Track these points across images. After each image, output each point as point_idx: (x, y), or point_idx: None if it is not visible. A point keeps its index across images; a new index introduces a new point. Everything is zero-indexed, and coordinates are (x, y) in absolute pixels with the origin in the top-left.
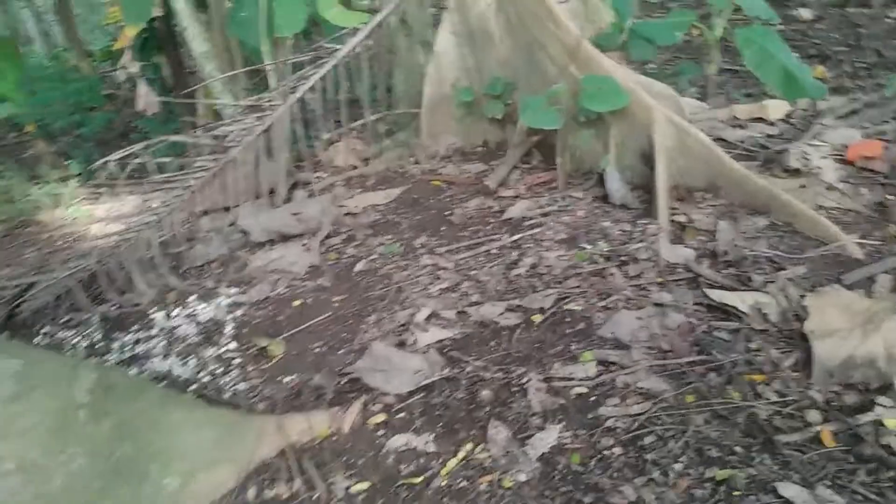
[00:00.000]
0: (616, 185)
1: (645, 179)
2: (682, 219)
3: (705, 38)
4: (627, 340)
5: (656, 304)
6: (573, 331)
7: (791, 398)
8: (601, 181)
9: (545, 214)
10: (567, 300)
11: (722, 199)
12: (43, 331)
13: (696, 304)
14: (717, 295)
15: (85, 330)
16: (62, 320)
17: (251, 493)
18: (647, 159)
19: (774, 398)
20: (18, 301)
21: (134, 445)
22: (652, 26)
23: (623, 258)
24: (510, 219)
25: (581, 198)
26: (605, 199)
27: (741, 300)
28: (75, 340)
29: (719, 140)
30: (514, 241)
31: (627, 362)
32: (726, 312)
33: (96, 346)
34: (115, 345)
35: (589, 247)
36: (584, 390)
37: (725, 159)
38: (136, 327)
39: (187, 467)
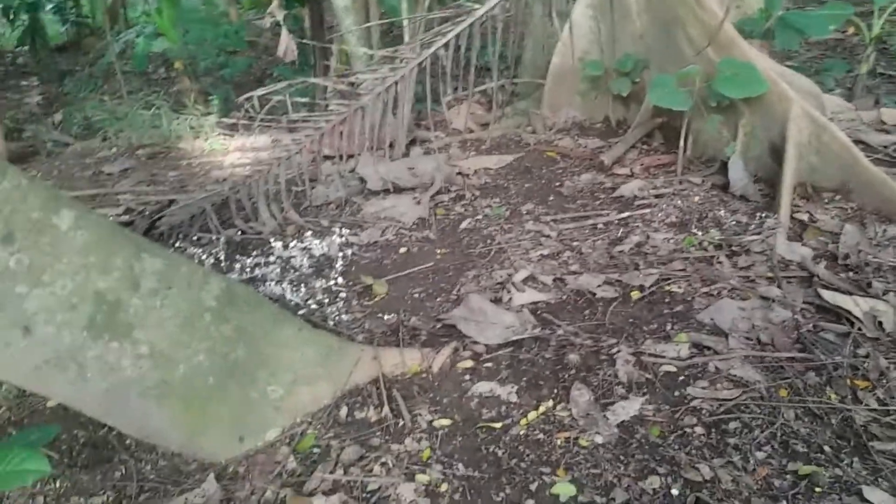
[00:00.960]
0: (739, 175)
1: (770, 173)
2: (804, 217)
3: (861, 36)
4: (726, 328)
5: (763, 298)
6: (670, 311)
7: (894, 408)
8: (723, 169)
9: (658, 196)
10: (669, 281)
11: (852, 202)
12: (176, 245)
13: (805, 302)
14: (831, 296)
15: (212, 249)
16: (193, 238)
17: (343, 411)
18: (776, 153)
19: (875, 405)
20: (159, 216)
21: (247, 351)
22: (804, 17)
23: (734, 248)
24: (621, 196)
25: (699, 184)
26: (724, 188)
27: (856, 305)
28: (203, 257)
29: (859, 142)
30: (622, 218)
31: (723, 349)
32: (837, 315)
33: (221, 265)
34: (237, 266)
35: (699, 233)
36: (672, 369)
37: (863, 161)
38: (256, 253)
39: (290, 379)
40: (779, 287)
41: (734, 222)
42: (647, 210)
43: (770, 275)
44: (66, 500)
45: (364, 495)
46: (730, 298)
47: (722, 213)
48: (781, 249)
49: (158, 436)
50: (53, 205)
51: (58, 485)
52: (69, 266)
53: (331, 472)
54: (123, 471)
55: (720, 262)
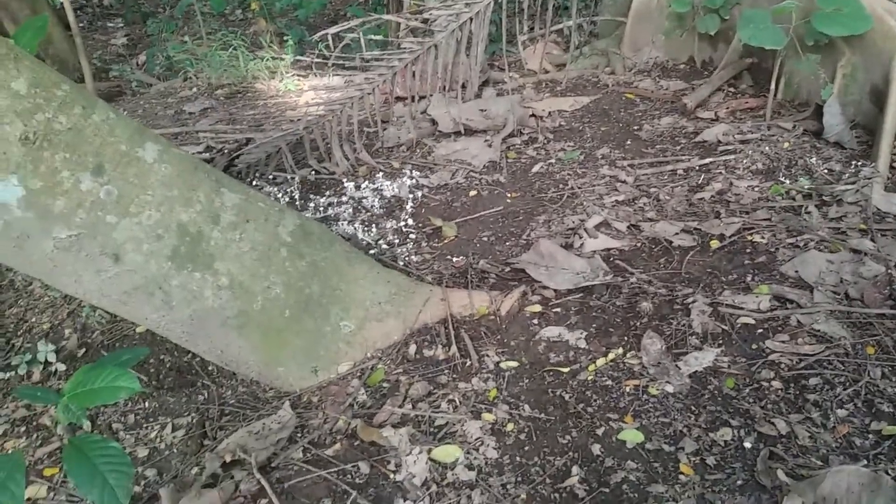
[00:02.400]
0: (835, 120)
1: (869, 118)
2: None
3: None
4: (812, 281)
5: (854, 251)
6: (752, 262)
7: None
8: (817, 114)
9: (744, 142)
10: (751, 231)
11: None
12: (253, 183)
13: None
14: None
15: (287, 188)
16: (269, 176)
17: (412, 349)
18: (877, 96)
19: None
20: (237, 154)
21: (321, 287)
22: None
23: (825, 198)
24: (704, 141)
25: (789, 129)
26: (817, 134)
27: None
28: (278, 196)
29: None
30: (704, 164)
31: (806, 302)
32: None
33: (295, 204)
34: (311, 205)
35: (787, 181)
36: (751, 321)
37: None
38: (329, 193)
39: (362, 315)
40: (872, 240)
41: (826, 170)
42: (732, 156)
43: (863, 227)
44: (153, 419)
45: (431, 430)
46: (817, 250)
47: (813, 160)
48: (878, 200)
49: (238, 363)
50: (139, 138)
51: (146, 405)
52: (154, 198)
53: (399, 406)
54: (206, 395)
55: (809, 213)
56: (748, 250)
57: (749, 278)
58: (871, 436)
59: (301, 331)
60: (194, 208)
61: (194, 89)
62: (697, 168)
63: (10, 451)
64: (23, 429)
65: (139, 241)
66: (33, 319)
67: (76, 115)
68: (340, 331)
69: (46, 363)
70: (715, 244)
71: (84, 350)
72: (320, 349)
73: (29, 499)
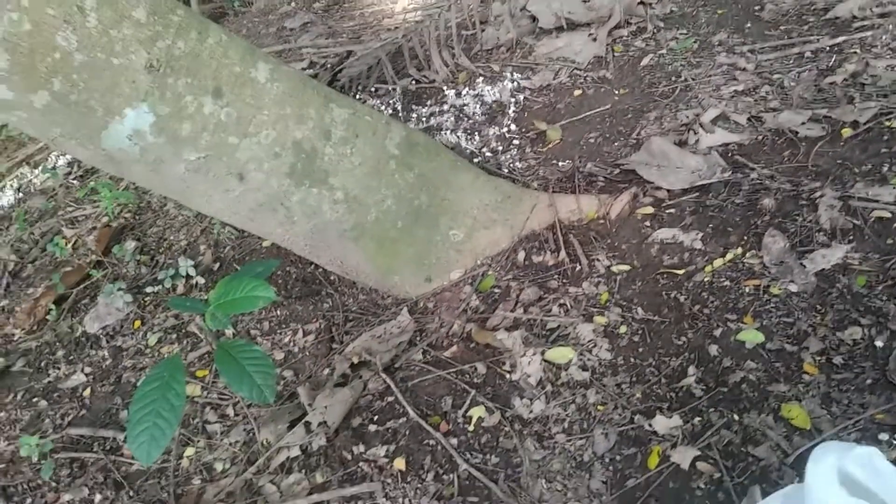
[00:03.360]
0: None
1: None
2: None
3: None
4: None
5: None
6: (889, 151)
7: None
8: None
9: (884, 15)
10: (890, 116)
11: None
12: (356, 97)
13: None
14: None
15: (389, 99)
16: (371, 89)
17: (520, 255)
18: None
19: None
20: (339, 68)
21: (430, 197)
22: None
23: None
24: (836, 18)
25: None
26: None
27: None
28: (381, 108)
29: None
30: (836, 44)
31: None
32: None
33: (398, 115)
34: (413, 115)
35: None
36: (887, 215)
37: None
38: (430, 102)
39: (470, 223)
40: None
41: None
42: (869, 33)
43: None
44: (286, 325)
45: (544, 332)
46: None
47: None
48: None
49: (357, 272)
50: (251, 58)
51: (278, 313)
52: (269, 117)
53: (511, 311)
54: (330, 303)
55: None
56: (885, 137)
57: (885, 168)
58: None
59: (413, 240)
60: (307, 125)
61: (293, 4)
62: (828, 49)
63: (166, 356)
64: (174, 336)
65: (260, 160)
66: (171, 238)
67: (193, 39)
68: (450, 239)
69: (188, 277)
70: (847, 133)
71: (218, 264)
72: (432, 257)
73: (187, 396)
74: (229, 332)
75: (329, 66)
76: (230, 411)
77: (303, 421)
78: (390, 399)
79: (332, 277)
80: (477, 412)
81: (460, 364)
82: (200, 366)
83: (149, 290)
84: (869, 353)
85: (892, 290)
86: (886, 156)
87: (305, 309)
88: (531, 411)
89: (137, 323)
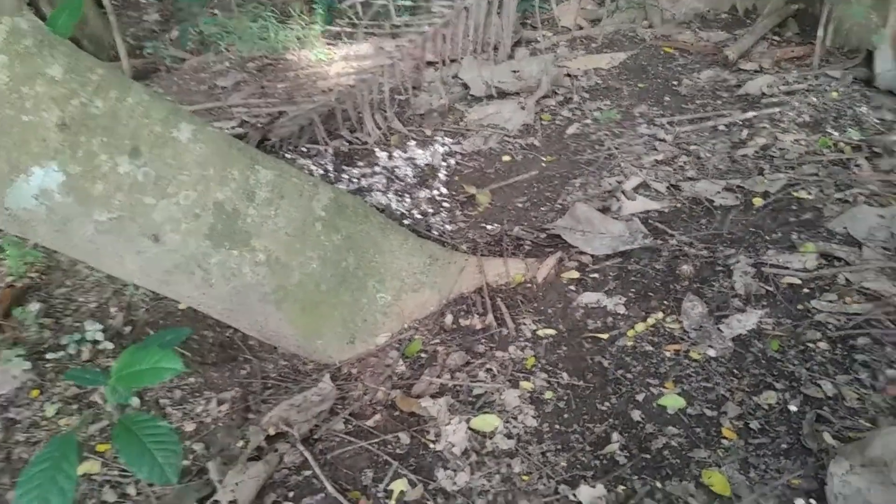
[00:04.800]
0: (887, 66)
1: None
2: None
3: None
4: (861, 237)
5: None
6: (797, 220)
7: None
8: (868, 61)
9: (790, 93)
10: (797, 187)
11: None
12: (287, 157)
13: None
14: None
15: (320, 160)
16: (303, 149)
17: (448, 318)
18: None
19: None
20: (270, 128)
21: (357, 260)
22: None
23: (875, 149)
24: (747, 94)
25: (838, 78)
26: (868, 82)
27: None
28: (312, 168)
29: None
30: (747, 118)
31: (855, 260)
32: None
33: (329, 176)
34: (344, 176)
35: (836, 133)
36: (797, 281)
37: None
38: (362, 163)
39: (398, 286)
40: None
41: (877, 120)
42: (777, 109)
43: None
44: (199, 394)
45: (470, 399)
46: (867, 205)
47: (863, 109)
48: None
49: (278, 337)
50: (173, 119)
51: (192, 380)
52: (190, 177)
53: (438, 377)
54: (248, 369)
55: (858, 165)
56: (794, 207)
57: (794, 236)
58: None
59: (338, 303)
60: (230, 186)
61: (226, 63)
62: (740, 122)
63: (63, 429)
64: (75, 406)
65: (177, 221)
66: (80, 299)
67: (112, 98)
68: (377, 302)
69: (95, 342)
70: (758, 202)
71: (130, 328)
72: (358, 321)
73: (84, 474)
74: (136, 402)
75: (260, 125)
76: (132, 490)
77: (211, 500)
78: (308, 473)
79: (251, 342)
80: (399, 486)
81: (383, 434)
82: (102, 439)
83: (50, 356)
84: (784, 418)
85: (804, 354)
86: (795, 224)
87: (221, 376)
88: (455, 483)
89: (35, 392)
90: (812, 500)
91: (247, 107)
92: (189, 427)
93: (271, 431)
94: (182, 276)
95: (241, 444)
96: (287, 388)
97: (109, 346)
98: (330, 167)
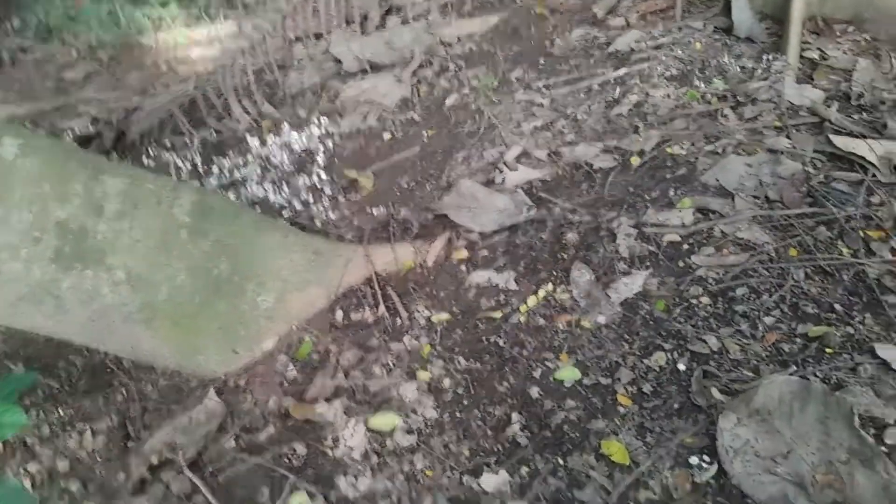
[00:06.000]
0: (743, 14)
1: (777, 9)
2: (814, 55)
3: None
4: (732, 188)
5: (770, 151)
6: (673, 176)
7: None
8: (726, 10)
9: (657, 47)
10: (670, 143)
11: (866, 33)
12: (149, 152)
13: (816, 151)
14: (843, 142)
15: (187, 153)
16: (166, 143)
17: (338, 314)
18: None
19: (889, 256)
20: (126, 123)
21: (231, 264)
22: None
23: (739, 98)
24: (617, 51)
25: (700, 29)
26: (728, 30)
27: (870, 149)
28: (178, 163)
29: None
30: (619, 76)
31: (729, 211)
32: (850, 162)
33: (198, 169)
34: (215, 169)
35: (703, 85)
36: (676, 238)
37: None
38: (233, 153)
39: (281, 287)
40: (788, 137)
41: (739, 68)
42: (646, 64)
43: (778, 124)
44: (71, 426)
45: (366, 398)
46: (735, 155)
47: (726, 59)
48: (790, 94)
49: (153, 356)
50: None
51: (61, 412)
52: (23, 198)
53: (332, 378)
54: (125, 393)
55: (725, 116)
56: (668, 164)
57: (672, 193)
58: (798, 340)
59: (215, 314)
60: (72, 203)
61: (74, 53)
62: (613, 81)
63: None
64: None
65: (14, 247)
66: None
67: None
68: (259, 307)
69: None
70: (635, 161)
71: None
72: (240, 329)
73: None
74: None
75: (114, 122)
76: None
77: None
78: (198, 500)
79: (125, 364)
80: (298, 499)
81: (278, 447)
82: None
83: None
84: (674, 378)
85: (688, 311)
86: (671, 181)
87: (94, 405)
88: (357, 490)
89: None
90: (705, 456)
91: (99, 102)
92: (62, 465)
93: (154, 460)
94: (30, 306)
95: (121, 477)
96: (170, 409)
97: None
98: (198, 160)
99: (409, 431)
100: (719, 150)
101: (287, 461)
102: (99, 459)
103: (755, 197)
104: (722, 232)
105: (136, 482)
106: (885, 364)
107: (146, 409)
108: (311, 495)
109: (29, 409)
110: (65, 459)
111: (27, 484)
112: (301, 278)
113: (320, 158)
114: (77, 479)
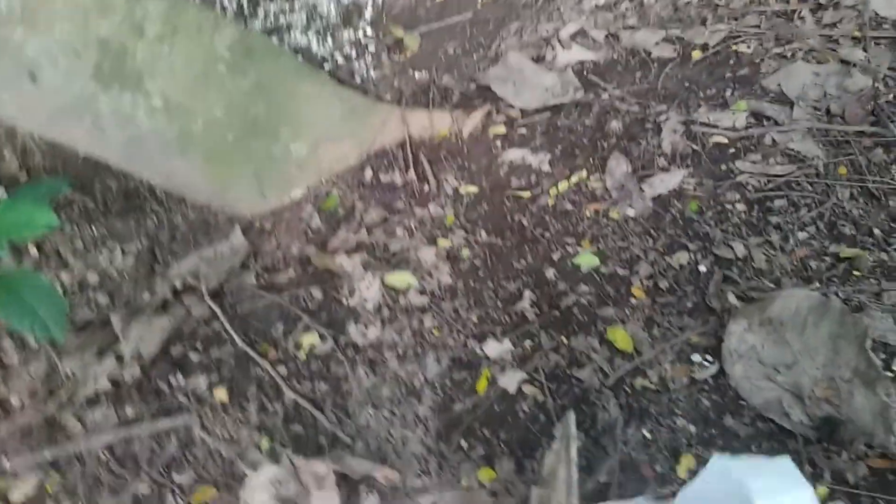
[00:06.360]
0: None
1: None
2: None
3: None
4: (794, 96)
5: (843, 62)
6: (733, 75)
7: None
8: None
9: None
10: (737, 40)
11: None
12: None
13: (891, 69)
14: None
15: None
16: None
17: (368, 173)
18: None
19: None
20: None
21: (268, 107)
22: None
23: (821, 1)
24: None
25: None
26: None
27: None
28: (224, 3)
29: None
30: None
31: (785, 119)
32: None
33: (243, 12)
34: (260, 12)
35: None
36: (724, 140)
37: None
38: None
39: (315, 137)
40: (864, 49)
41: None
42: None
43: (857, 34)
44: (102, 244)
45: (385, 256)
46: (804, 61)
47: None
48: (876, 4)
49: (186, 187)
50: None
51: (94, 231)
52: (65, 7)
53: (354, 233)
54: (155, 220)
55: (802, 18)
56: (731, 61)
57: (728, 93)
58: (827, 258)
59: (249, 154)
60: (113, 19)
61: None
62: None
63: None
64: None
65: (54, 57)
66: None
67: None
68: (291, 154)
69: None
70: (697, 55)
71: (25, 175)
72: (271, 173)
73: None
74: (34, 252)
75: None
76: (32, 338)
77: (113, 350)
78: (216, 326)
79: (158, 193)
80: (309, 339)
81: (296, 289)
82: None
83: None
84: (693, 278)
85: (721, 215)
86: (730, 80)
87: (126, 227)
88: (366, 337)
89: None
90: (708, 356)
91: None
92: (92, 278)
93: (178, 284)
94: (70, 119)
95: (146, 296)
96: (197, 241)
97: (2, 193)
98: (244, 1)
99: (423, 292)
100: (788, 55)
101: (303, 303)
102: (126, 278)
103: (815, 108)
104: (773, 140)
105: (160, 302)
106: None
107: (174, 238)
108: (321, 337)
109: (63, 223)
110: (95, 273)
111: (58, 289)
112: (335, 132)
113: (368, 13)
114: (105, 292)
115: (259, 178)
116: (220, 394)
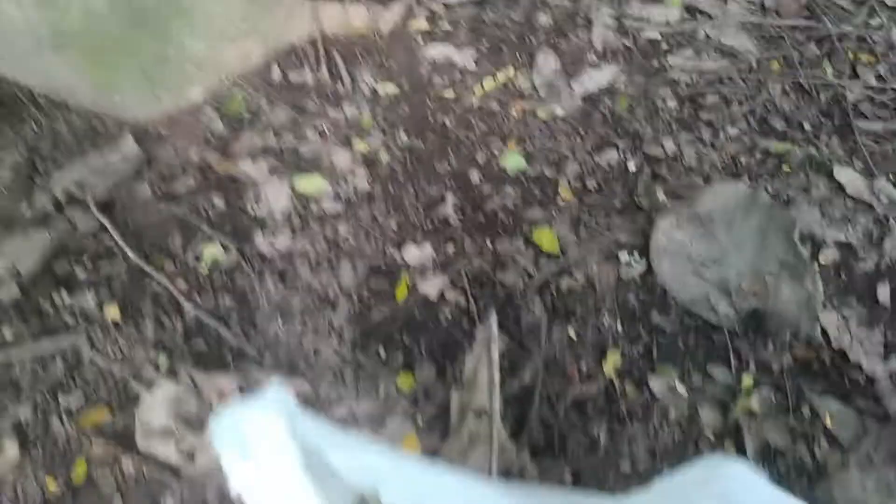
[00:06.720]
0: None
1: None
2: None
3: None
4: None
5: None
6: None
7: (893, 86)
8: None
9: None
10: None
11: None
12: None
13: None
14: None
15: None
16: None
17: (275, 72)
18: None
19: (873, 82)
20: None
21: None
22: None
23: None
24: None
25: None
26: None
27: None
28: None
29: None
30: None
31: (718, 13)
32: None
33: None
34: None
35: None
36: (656, 36)
37: None
38: None
39: (214, 34)
40: None
41: None
42: None
43: None
44: None
45: (295, 160)
46: None
47: None
48: None
49: (68, 91)
50: None
51: None
52: None
53: (260, 136)
54: (36, 128)
55: None
56: None
57: None
58: (758, 154)
59: (135, 50)
60: None
61: None
62: None
63: None
64: None
65: None
66: None
67: None
68: (186, 51)
69: None
70: None
71: None
72: (164, 72)
73: None
74: None
75: None
76: None
77: None
78: (106, 240)
79: (39, 99)
80: (211, 251)
81: (195, 198)
82: None
83: None
84: (621, 177)
85: (651, 112)
86: None
87: (2, 135)
88: (274, 247)
89: None
90: (635, 253)
91: None
92: None
93: (60, 195)
94: None
95: (25, 209)
96: (82, 149)
97: None
98: None
99: (337, 198)
100: None
101: (204, 213)
102: (3, 191)
103: (750, 2)
104: (706, 35)
105: (40, 215)
106: (840, 187)
107: (56, 147)
108: (224, 248)
109: None
110: None
111: None
112: (237, 28)
113: None
114: None
115: (150, 78)
116: (112, 311)
